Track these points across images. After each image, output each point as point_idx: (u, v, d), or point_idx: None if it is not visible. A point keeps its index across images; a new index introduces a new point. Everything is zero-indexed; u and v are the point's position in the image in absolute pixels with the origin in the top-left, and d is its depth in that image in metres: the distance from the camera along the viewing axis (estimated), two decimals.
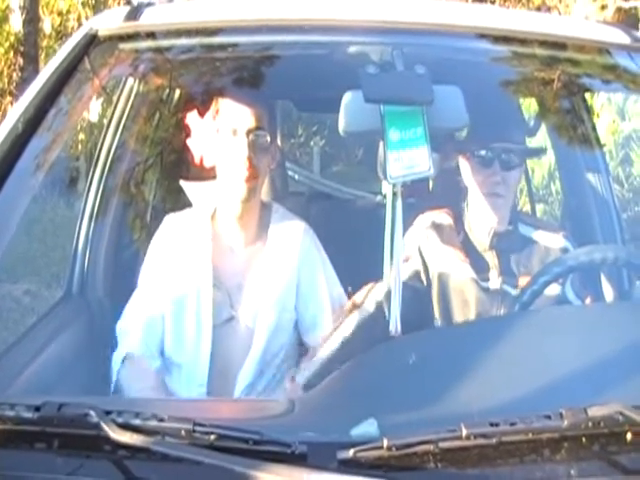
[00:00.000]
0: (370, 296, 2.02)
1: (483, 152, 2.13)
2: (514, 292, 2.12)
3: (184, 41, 2.01)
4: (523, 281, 2.10)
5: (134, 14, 1.95)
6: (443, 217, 2.23)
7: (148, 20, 1.95)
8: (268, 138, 2.11)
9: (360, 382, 1.50)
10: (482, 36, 1.99)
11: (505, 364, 1.47)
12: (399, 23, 1.92)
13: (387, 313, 1.94)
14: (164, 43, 2.02)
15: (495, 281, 2.15)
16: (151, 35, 1.98)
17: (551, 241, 2.22)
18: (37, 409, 1.21)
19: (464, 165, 2.21)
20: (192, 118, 2.13)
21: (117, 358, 2.10)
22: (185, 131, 2.15)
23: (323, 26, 1.92)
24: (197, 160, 2.13)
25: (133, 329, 2.14)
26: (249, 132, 2.07)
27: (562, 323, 1.65)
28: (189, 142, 2.14)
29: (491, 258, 2.18)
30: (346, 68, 1.86)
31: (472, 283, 2.14)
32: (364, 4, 2.07)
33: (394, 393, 1.42)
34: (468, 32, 1.96)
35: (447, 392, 1.38)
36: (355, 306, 2.03)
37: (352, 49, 1.93)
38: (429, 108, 1.76)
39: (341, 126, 1.92)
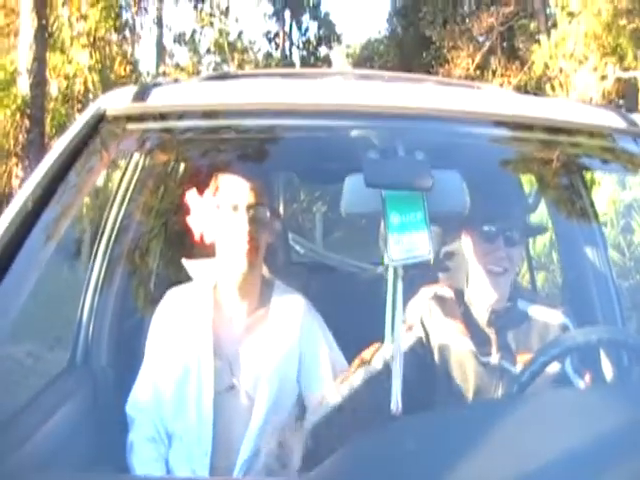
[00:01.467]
0: (378, 355, 2.03)
1: (487, 228, 2.17)
2: (512, 369, 2.14)
3: (190, 123, 2.04)
4: (522, 358, 2.11)
5: (142, 95, 1.98)
6: (445, 290, 2.26)
7: (155, 101, 1.98)
8: (268, 213, 2.15)
9: (361, 464, 1.50)
10: (481, 121, 2.03)
11: (504, 449, 1.47)
12: (400, 108, 1.95)
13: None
14: (170, 124, 2.06)
15: (494, 357, 2.17)
16: (158, 116, 2.02)
17: (550, 317, 2.23)
18: None
19: (466, 240, 2.24)
20: (191, 196, 2.17)
21: (129, 442, 2.13)
22: (185, 208, 2.19)
23: (325, 111, 1.95)
24: (197, 237, 2.17)
25: (142, 411, 2.16)
26: (249, 207, 2.12)
27: (560, 409, 1.65)
28: (189, 220, 2.17)
29: (490, 333, 2.20)
30: (348, 150, 1.90)
31: (472, 357, 2.16)
32: (366, 89, 2.12)
33: (395, 476, 1.43)
34: (467, 117, 2.00)
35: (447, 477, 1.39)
36: (363, 362, 2.03)
37: (354, 133, 1.96)
38: (430, 193, 1.80)
39: (343, 207, 1.96)
